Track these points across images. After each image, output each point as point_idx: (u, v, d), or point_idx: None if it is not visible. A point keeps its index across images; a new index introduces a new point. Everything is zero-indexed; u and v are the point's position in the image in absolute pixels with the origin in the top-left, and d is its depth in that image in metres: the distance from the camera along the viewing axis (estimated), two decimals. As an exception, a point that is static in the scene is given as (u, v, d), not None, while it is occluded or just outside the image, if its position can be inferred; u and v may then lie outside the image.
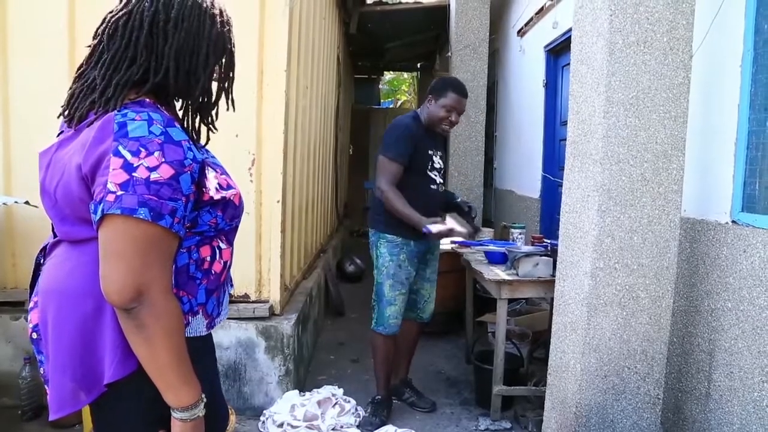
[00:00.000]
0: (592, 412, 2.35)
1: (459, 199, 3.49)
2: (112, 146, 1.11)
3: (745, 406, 2.22)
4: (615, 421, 2.35)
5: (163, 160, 1.12)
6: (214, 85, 1.37)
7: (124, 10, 1.21)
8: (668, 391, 2.67)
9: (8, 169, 3.14)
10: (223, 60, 1.34)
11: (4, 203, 2.90)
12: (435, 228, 2.91)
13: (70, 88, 1.27)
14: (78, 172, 1.14)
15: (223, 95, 1.41)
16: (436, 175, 3.23)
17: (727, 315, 2.34)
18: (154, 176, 1.10)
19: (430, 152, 3.19)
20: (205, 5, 1.26)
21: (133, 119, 1.14)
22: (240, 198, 1.35)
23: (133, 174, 1.09)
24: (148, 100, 1.22)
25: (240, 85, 3.24)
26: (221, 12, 1.30)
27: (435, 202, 3.22)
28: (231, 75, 1.38)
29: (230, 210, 1.31)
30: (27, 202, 2.83)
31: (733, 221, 2.35)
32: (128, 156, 1.10)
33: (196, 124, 1.39)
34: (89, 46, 1.27)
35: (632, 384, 2.35)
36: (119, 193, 1.08)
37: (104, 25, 1.24)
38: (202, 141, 1.45)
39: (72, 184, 1.16)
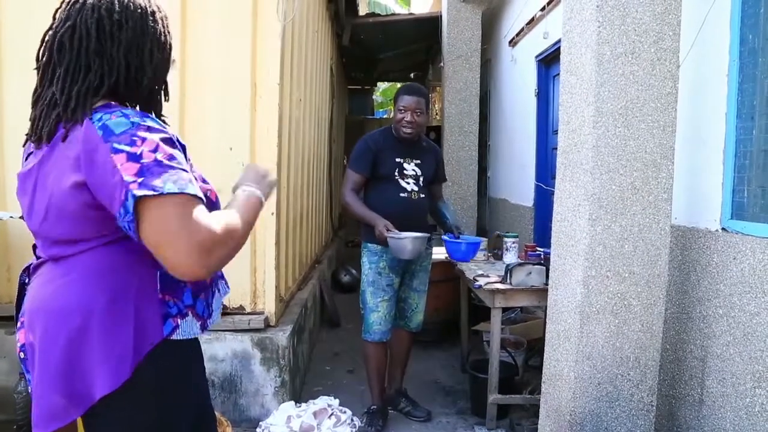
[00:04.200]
0: (587, 419, 2.36)
1: (449, 221, 3.64)
2: (106, 148, 1.14)
3: (738, 412, 2.23)
4: (609, 428, 2.36)
5: (158, 141, 1.17)
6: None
7: (67, 24, 1.24)
8: (662, 398, 2.69)
9: (2, 184, 3.15)
10: (163, 52, 1.38)
11: (-2, 218, 2.91)
12: (380, 228, 3.05)
13: (31, 114, 1.29)
14: (77, 188, 1.16)
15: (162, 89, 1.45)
16: (409, 183, 3.29)
17: (719, 321, 2.36)
18: (159, 156, 1.15)
19: (398, 160, 3.28)
20: (143, 4, 1.31)
21: (110, 119, 1.18)
22: (216, 195, 1.39)
23: (142, 161, 1.13)
24: (113, 102, 1.26)
25: (233, 99, 3.31)
26: (158, 8, 1.36)
27: (407, 209, 3.27)
28: (169, 67, 1.42)
29: (209, 207, 1.34)
30: (21, 217, 2.83)
31: (723, 228, 2.37)
32: (127, 148, 1.14)
33: None
34: (36, 68, 1.30)
35: (626, 391, 2.37)
36: (140, 180, 1.11)
37: (47, 45, 1.28)
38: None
39: (69, 202, 1.17)
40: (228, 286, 1.51)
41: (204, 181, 1.36)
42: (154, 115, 1.41)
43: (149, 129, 1.18)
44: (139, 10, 1.29)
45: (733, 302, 2.28)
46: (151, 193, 1.10)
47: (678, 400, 2.62)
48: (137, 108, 1.38)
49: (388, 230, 3.04)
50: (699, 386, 2.48)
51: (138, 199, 1.10)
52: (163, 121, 1.44)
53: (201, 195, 1.18)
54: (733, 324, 2.28)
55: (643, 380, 2.37)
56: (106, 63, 1.25)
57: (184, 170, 1.17)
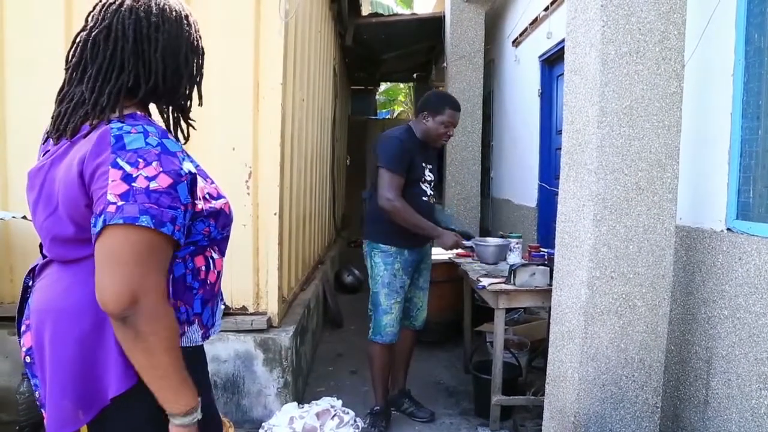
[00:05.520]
0: (591, 421, 2.34)
1: (456, 228, 3.62)
2: (110, 158, 1.13)
3: (743, 414, 2.22)
4: (614, 430, 2.35)
5: (161, 169, 1.14)
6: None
7: (103, 25, 1.24)
8: (666, 400, 2.67)
9: (5, 184, 3.15)
10: (197, 57, 1.39)
11: (1, 218, 2.91)
12: (454, 240, 3.18)
13: (55, 111, 1.28)
14: (81, 183, 1.15)
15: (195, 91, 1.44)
16: (427, 188, 3.28)
17: (724, 323, 2.34)
18: (153, 185, 1.12)
19: (423, 165, 3.26)
20: (178, 8, 1.32)
21: (129, 132, 1.16)
22: (229, 207, 1.37)
23: (133, 184, 1.11)
24: (139, 113, 1.26)
25: (236, 99, 3.30)
26: (190, 14, 1.36)
27: (427, 213, 3.25)
28: (202, 72, 1.42)
29: (222, 219, 1.33)
30: (24, 217, 2.83)
31: (728, 229, 2.36)
32: (127, 167, 1.12)
33: (181, 123, 1.43)
34: (66, 68, 1.29)
35: (630, 393, 2.35)
36: (120, 203, 1.10)
37: (78, 45, 1.27)
38: (186, 139, 1.47)
39: (78, 197, 1.17)
40: (222, 296, 1.50)
41: (219, 195, 1.34)
42: (182, 118, 1.41)
43: (160, 155, 1.16)
44: (174, 14, 1.30)
45: (738, 303, 2.26)
46: (121, 222, 1.09)
47: (683, 401, 2.61)
48: (170, 110, 1.39)
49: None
50: (704, 388, 2.46)
51: (108, 224, 1.10)
52: (190, 125, 1.45)
53: (178, 239, 1.16)
54: (738, 325, 2.26)
55: (648, 382, 2.36)
56: (142, 65, 1.25)
57: (173, 208, 1.15)
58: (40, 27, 3.07)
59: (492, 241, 3.28)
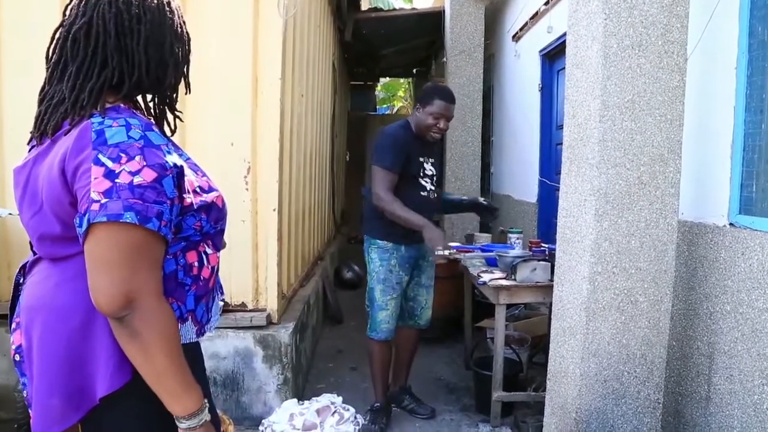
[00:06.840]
0: (592, 417, 2.33)
1: (465, 199, 3.80)
2: (92, 155, 1.10)
3: (746, 409, 2.20)
4: (615, 425, 2.34)
5: (145, 163, 1.11)
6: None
7: (83, 20, 1.20)
8: (668, 395, 2.66)
9: (2, 181, 3.13)
10: (182, 45, 1.34)
11: (-2, 215, 2.89)
12: (433, 234, 3.02)
13: (36, 111, 1.25)
14: (63, 182, 1.13)
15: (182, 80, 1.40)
16: (427, 182, 3.25)
17: (726, 318, 2.33)
18: (137, 180, 1.09)
19: (420, 159, 3.22)
20: None
21: (111, 126, 1.13)
22: (222, 200, 1.33)
23: (116, 180, 1.08)
24: (123, 105, 1.22)
25: (235, 94, 3.28)
26: (172, 0, 1.32)
27: (427, 208, 3.23)
28: (189, 59, 1.38)
29: (214, 213, 1.30)
30: (21, 214, 2.81)
31: (731, 224, 2.34)
32: (109, 163, 1.09)
33: (167, 115, 1.39)
34: (47, 67, 1.26)
35: (632, 388, 2.34)
36: (103, 201, 1.07)
37: (58, 42, 1.24)
38: (173, 132, 1.44)
39: (61, 196, 1.14)
40: (223, 291, 1.48)
41: (210, 189, 1.30)
42: (168, 110, 1.38)
43: (143, 148, 1.12)
44: (156, 2, 1.26)
45: (740, 298, 2.24)
46: (104, 219, 1.06)
47: (684, 397, 2.60)
48: (156, 100, 1.35)
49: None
50: (706, 383, 2.45)
51: (92, 223, 1.07)
52: (177, 117, 1.41)
53: (164, 234, 1.13)
54: (740, 320, 2.25)
55: (650, 377, 2.34)
56: (126, 59, 1.21)
57: (159, 203, 1.12)
58: (36, 29, 3.03)
59: (513, 252, 3.37)
